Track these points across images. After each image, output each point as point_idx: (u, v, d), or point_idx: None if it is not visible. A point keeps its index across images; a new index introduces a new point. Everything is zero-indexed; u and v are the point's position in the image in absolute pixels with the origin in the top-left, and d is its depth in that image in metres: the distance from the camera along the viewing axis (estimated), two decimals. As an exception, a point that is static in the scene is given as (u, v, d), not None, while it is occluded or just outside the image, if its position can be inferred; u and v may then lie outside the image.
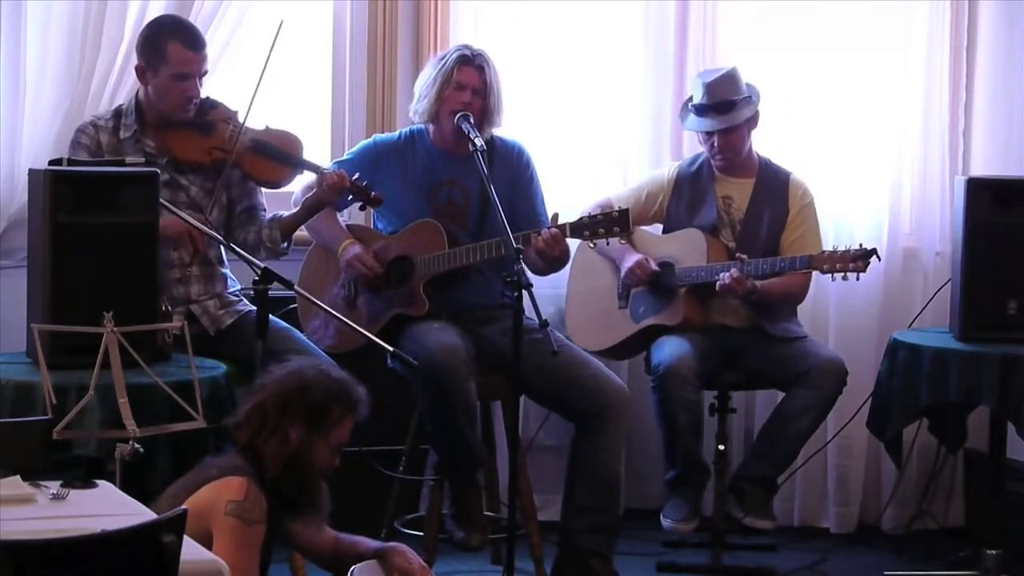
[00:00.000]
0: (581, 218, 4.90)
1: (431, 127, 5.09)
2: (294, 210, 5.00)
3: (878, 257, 5.12)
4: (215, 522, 3.46)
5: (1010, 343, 5.12)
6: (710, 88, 5.28)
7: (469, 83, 5.00)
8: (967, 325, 5.21)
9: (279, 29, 4.75)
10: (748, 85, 5.34)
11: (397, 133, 5.26)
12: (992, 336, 5.17)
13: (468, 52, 5.04)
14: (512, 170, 5.13)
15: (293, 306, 5.08)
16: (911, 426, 5.47)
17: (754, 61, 5.63)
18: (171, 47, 4.77)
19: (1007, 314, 5.19)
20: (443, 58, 5.05)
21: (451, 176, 5.08)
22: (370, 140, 5.27)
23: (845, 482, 5.98)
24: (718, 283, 5.12)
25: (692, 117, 5.36)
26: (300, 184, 5.10)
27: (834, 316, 5.90)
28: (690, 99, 5.40)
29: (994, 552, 5.17)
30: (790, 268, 5.18)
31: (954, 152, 6.06)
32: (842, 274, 5.07)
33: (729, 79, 5.30)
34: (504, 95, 5.05)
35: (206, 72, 4.85)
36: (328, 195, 4.90)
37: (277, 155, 4.89)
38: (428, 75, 5.05)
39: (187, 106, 4.82)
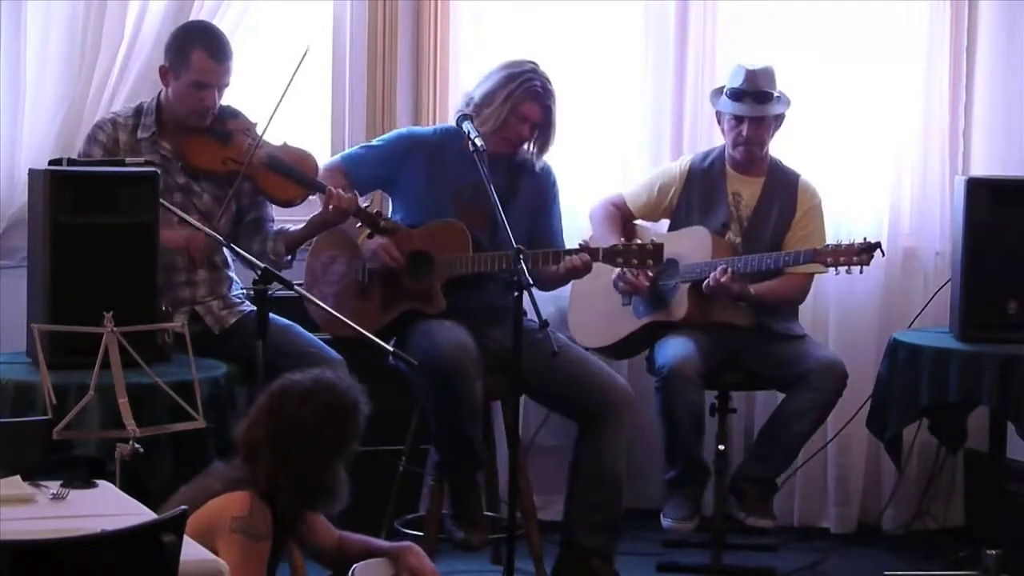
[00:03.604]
0: (615, 245, 4.92)
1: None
2: (300, 225, 4.99)
3: (882, 251, 5.12)
4: (220, 539, 3.44)
5: (1010, 343, 5.12)
6: (751, 75, 5.26)
7: (531, 119, 5.01)
8: (967, 325, 5.22)
9: (305, 54, 4.68)
10: (780, 90, 5.35)
11: (432, 128, 5.26)
12: (992, 336, 5.17)
13: (539, 87, 4.99)
14: (539, 187, 5.15)
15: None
16: (911, 426, 5.46)
17: (757, 64, 5.61)
18: (196, 54, 4.76)
19: (1007, 314, 5.19)
20: (514, 78, 4.98)
21: (477, 179, 5.02)
22: (404, 130, 5.28)
23: (845, 482, 5.98)
24: (704, 283, 5.12)
25: (725, 99, 5.32)
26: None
27: (834, 316, 5.90)
28: (722, 87, 5.37)
29: (994, 552, 5.17)
30: (794, 262, 5.18)
31: (954, 152, 6.06)
32: (846, 267, 5.08)
33: (769, 74, 5.31)
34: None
35: (227, 84, 4.82)
36: (335, 217, 4.87)
37: (291, 174, 4.86)
38: (495, 87, 5.00)
39: (203, 115, 4.80)
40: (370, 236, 5.00)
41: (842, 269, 5.10)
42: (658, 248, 4.87)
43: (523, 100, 4.99)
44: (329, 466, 3.63)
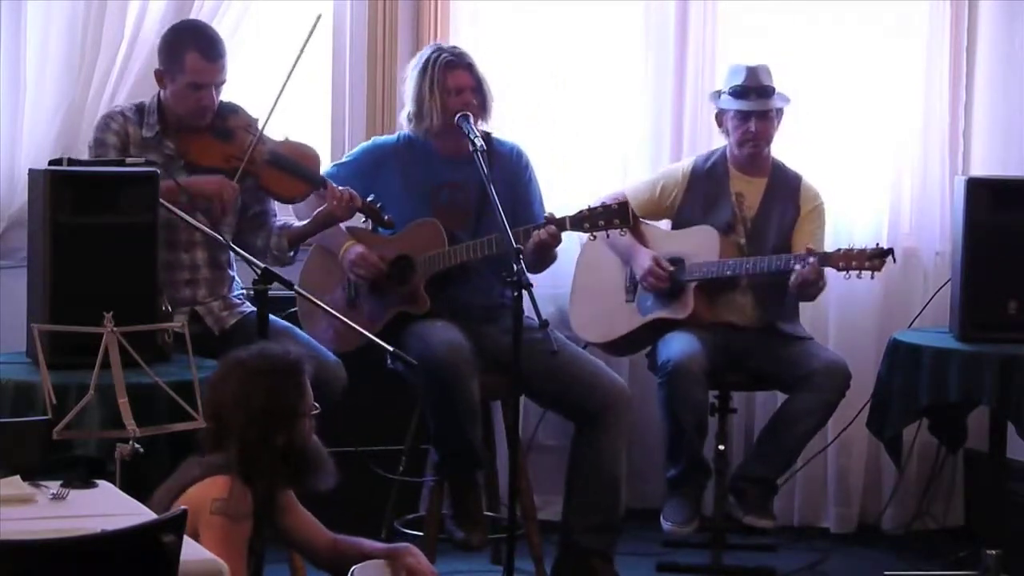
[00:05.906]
0: (581, 211, 4.90)
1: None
2: (304, 221, 4.98)
3: (893, 258, 5.11)
4: (202, 521, 3.48)
5: (1010, 343, 5.13)
6: (752, 71, 5.27)
7: (465, 85, 4.99)
8: (967, 325, 5.22)
9: (316, 22, 4.70)
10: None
11: (396, 135, 5.24)
12: (992, 336, 5.17)
13: (450, 55, 5.01)
14: (510, 172, 5.12)
15: (293, 309, 5.06)
16: (911, 426, 5.47)
17: (754, 62, 5.62)
18: (189, 56, 4.75)
19: (1007, 314, 5.20)
20: (426, 67, 5.00)
21: (452, 178, 5.06)
22: (369, 142, 5.26)
23: (845, 482, 5.98)
24: (793, 276, 5.09)
25: (728, 98, 5.31)
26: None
27: (834, 316, 5.90)
28: (719, 91, 5.37)
29: (994, 552, 5.17)
30: (805, 266, 5.18)
31: (954, 152, 6.06)
32: (857, 272, 5.07)
33: (767, 69, 5.33)
34: (492, 87, 5.07)
35: (224, 82, 4.82)
36: (341, 213, 4.87)
37: (295, 170, 4.86)
38: (417, 86, 5.01)
39: (203, 115, 4.79)
40: (373, 230, 5.03)
41: (853, 273, 5.09)
42: (623, 206, 4.84)
43: (445, 74, 4.98)
44: (283, 434, 3.65)
